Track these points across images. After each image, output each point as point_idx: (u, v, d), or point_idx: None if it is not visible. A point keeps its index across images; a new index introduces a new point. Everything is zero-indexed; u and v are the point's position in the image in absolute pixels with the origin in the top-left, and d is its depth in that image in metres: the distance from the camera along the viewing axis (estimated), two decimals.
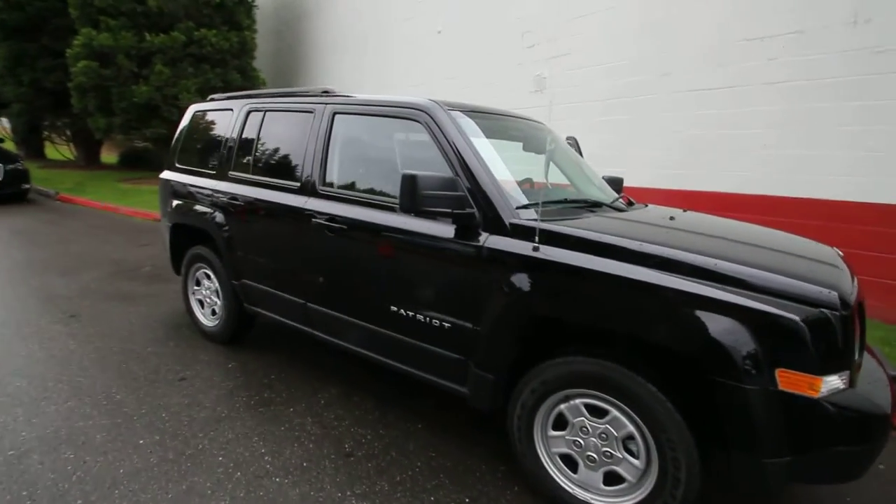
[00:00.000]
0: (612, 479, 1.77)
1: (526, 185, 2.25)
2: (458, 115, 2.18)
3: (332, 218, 2.38)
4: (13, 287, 4.45)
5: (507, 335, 1.89)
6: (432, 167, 2.07)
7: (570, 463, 1.86)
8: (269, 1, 12.41)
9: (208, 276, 3.31)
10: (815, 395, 1.42)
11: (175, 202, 3.40)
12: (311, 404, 2.60)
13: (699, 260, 1.58)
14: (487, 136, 2.20)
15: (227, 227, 2.98)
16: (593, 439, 1.77)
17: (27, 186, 10.11)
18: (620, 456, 1.72)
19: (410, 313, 2.15)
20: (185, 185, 3.35)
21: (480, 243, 1.92)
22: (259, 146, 2.92)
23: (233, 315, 3.14)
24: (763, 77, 4.41)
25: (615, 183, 2.88)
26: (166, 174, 3.60)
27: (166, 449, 2.17)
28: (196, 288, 3.46)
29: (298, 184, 2.60)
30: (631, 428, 1.68)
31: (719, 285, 1.51)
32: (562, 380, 1.77)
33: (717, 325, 1.47)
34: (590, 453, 1.79)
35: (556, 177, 2.70)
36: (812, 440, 1.47)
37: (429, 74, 7.99)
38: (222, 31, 11.09)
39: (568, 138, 3.21)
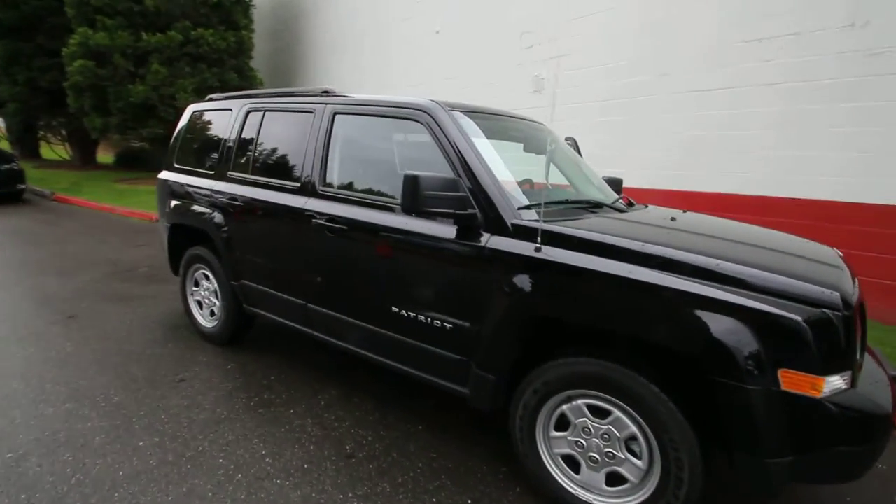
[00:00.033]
0: (614, 479, 1.77)
1: (526, 185, 2.25)
2: (459, 115, 2.18)
3: (332, 218, 2.37)
4: (9, 288, 4.42)
5: (509, 336, 1.89)
6: (433, 168, 2.07)
7: (572, 464, 1.86)
8: (267, 0, 12.37)
9: (207, 277, 3.29)
10: (818, 396, 1.43)
11: (173, 202, 3.39)
12: (311, 406, 2.59)
13: (702, 261, 1.58)
14: (488, 137, 2.20)
15: (226, 228, 2.97)
16: (595, 440, 1.77)
17: (22, 186, 10.05)
18: (623, 456, 1.72)
19: (411, 314, 2.15)
20: (183, 185, 3.33)
21: (482, 244, 1.91)
22: (258, 146, 2.91)
23: (232, 316, 3.13)
24: (761, 78, 4.43)
25: (615, 183, 2.89)
26: (164, 174, 3.58)
27: (166, 451, 2.16)
28: (195, 289, 3.44)
29: (298, 184, 2.59)
30: (633, 428, 1.68)
31: (722, 286, 1.51)
32: (564, 380, 1.77)
33: (721, 325, 1.47)
34: (592, 454, 1.79)
35: (556, 177, 2.70)
36: (814, 440, 1.47)
37: (428, 74, 7.99)
38: (219, 30, 11.07)
39: (567, 139, 3.21)
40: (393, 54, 8.75)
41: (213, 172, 3.14)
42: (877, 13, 3.84)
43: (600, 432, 1.75)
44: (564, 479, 1.86)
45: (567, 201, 2.29)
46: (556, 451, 1.88)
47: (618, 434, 1.72)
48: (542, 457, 1.89)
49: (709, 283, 1.53)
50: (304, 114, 2.67)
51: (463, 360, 2.03)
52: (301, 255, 2.60)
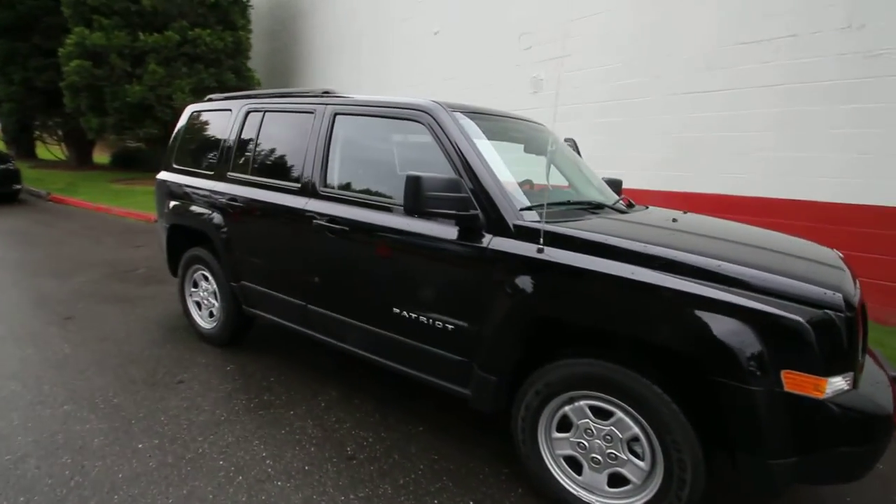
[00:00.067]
0: (616, 480, 1.77)
1: (526, 186, 2.25)
2: (460, 116, 2.18)
3: (333, 219, 2.37)
4: (5, 289, 4.39)
5: (511, 337, 1.89)
6: (434, 168, 2.07)
7: (574, 465, 1.86)
8: (265, 0, 12.36)
9: (206, 278, 3.28)
10: (821, 397, 1.43)
11: (172, 203, 3.37)
12: (311, 407, 2.58)
13: (704, 262, 1.59)
14: (489, 138, 2.19)
15: (225, 229, 2.96)
16: (598, 441, 1.77)
17: (18, 187, 10.00)
18: (625, 458, 1.72)
19: (412, 315, 2.14)
20: (182, 185, 3.32)
21: (484, 245, 1.91)
22: (258, 147, 2.90)
23: (231, 317, 3.12)
24: (760, 80, 4.45)
25: (614, 184, 2.89)
26: (163, 175, 3.56)
27: (165, 453, 2.15)
28: (193, 290, 3.43)
29: (299, 185, 2.58)
30: (636, 430, 1.68)
31: (725, 287, 1.51)
32: (566, 382, 1.77)
33: (724, 327, 1.47)
34: (594, 455, 1.79)
35: (556, 178, 2.71)
36: (817, 441, 1.48)
37: (427, 75, 7.99)
38: (217, 30, 11.05)
39: (567, 140, 3.21)
40: (391, 55, 8.75)
41: (212, 173, 3.12)
42: (873, 16, 3.86)
43: (603, 433, 1.75)
44: (567, 480, 1.86)
45: (569, 202, 2.29)
46: (559, 452, 1.87)
47: (620, 435, 1.72)
48: (545, 458, 1.89)
49: (711, 284, 1.53)
50: (304, 114, 2.67)
51: (464, 361, 2.02)
52: (301, 255, 2.59)
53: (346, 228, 2.32)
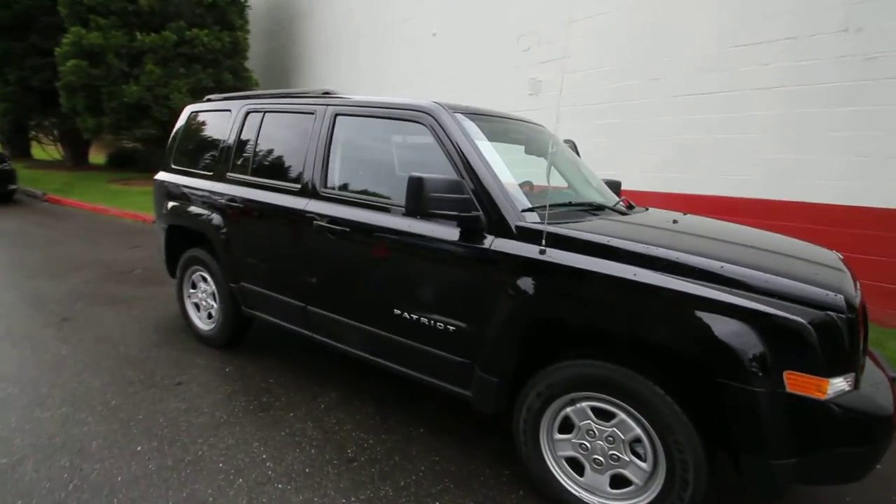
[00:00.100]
0: (618, 482, 1.77)
1: (525, 187, 2.25)
2: (461, 117, 2.18)
3: (333, 220, 2.36)
4: (1, 290, 4.35)
5: (513, 338, 1.88)
6: (435, 170, 2.06)
7: (576, 466, 1.86)
8: (262, 1, 12.34)
9: (204, 279, 3.26)
10: (822, 397, 1.44)
11: (171, 204, 3.35)
12: (311, 409, 2.57)
13: (706, 263, 1.59)
14: (490, 139, 2.19)
15: (224, 230, 2.94)
16: (600, 442, 1.77)
17: (14, 187, 9.95)
18: (627, 459, 1.72)
19: (414, 316, 2.14)
20: (181, 186, 3.30)
21: (486, 246, 1.91)
22: (258, 147, 2.89)
23: (230, 318, 3.10)
24: (759, 82, 4.47)
25: (614, 186, 2.89)
26: (161, 175, 3.55)
27: (165, 455, 2.13)
28: (192, 291, 3.41)
29: (299, 186, 2.57)
30: (638, 431, 1.68)
31: (727, 288, 1.52)
32: (568, 383, 1.77)
33: (726, 328, 1.47)
34: (596, 456, 1.78)
35: (556, 180, 2.71)
36: (818, 441, 1.48)
37: (426, 76, 8.00)
38: (214, 30, 11.03)
39: (566, 141, 3.22)
40: (389, 56, 8.75)
41: (211, 174, 3.11)
42: (869, 20, 3.89)
43: (605, 434, 1.75)
44: (568, 481, 1.86)
45: (570, 204, 2.29)
46: (560, 453, 1.87)
47: (622, 436, 1.72)
48: (546, 459, 1.89)
49: (713, 285, 1.53)
50: (304, 115, 2.66)
51: (466, 362, 2.02)
52: (301, 256, 2.58)
53: (347, 229, 2.31)
